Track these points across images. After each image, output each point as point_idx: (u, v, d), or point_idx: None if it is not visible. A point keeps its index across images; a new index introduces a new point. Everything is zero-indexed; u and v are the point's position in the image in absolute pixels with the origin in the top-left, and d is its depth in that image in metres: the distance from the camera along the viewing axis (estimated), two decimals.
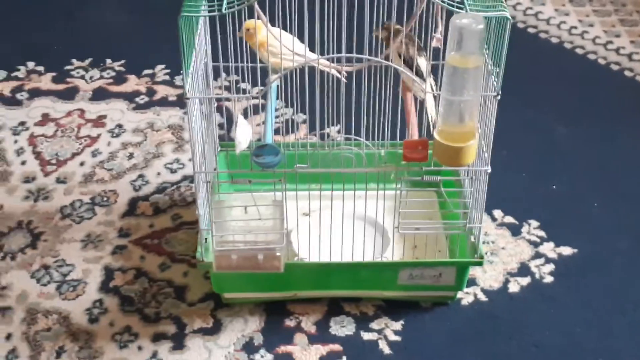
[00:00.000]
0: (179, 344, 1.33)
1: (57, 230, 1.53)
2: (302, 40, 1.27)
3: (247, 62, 1.37)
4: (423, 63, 1.30)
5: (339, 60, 1.33)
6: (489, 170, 1.27)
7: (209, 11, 1.17)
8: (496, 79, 1.20)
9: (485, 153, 1.27)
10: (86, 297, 1.40)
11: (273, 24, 1.29)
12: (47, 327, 1.35)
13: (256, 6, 1.27)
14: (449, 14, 1.14)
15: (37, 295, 1.41)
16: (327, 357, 1.32)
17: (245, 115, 1.60)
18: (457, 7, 1.13)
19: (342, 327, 1.36)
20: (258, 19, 1.25)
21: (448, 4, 1.14)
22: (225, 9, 1.14)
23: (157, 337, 1.34)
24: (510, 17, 1.12)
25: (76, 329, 1.35)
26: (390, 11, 1.28)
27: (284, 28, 1.28)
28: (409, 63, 1.29)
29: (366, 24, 1.24)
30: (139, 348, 1.32)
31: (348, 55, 1.23)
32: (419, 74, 1.29)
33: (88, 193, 1.61)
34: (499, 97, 1.20)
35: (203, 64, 1.36)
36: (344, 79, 1.32)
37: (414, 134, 1.28)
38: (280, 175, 1.25)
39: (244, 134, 1.23)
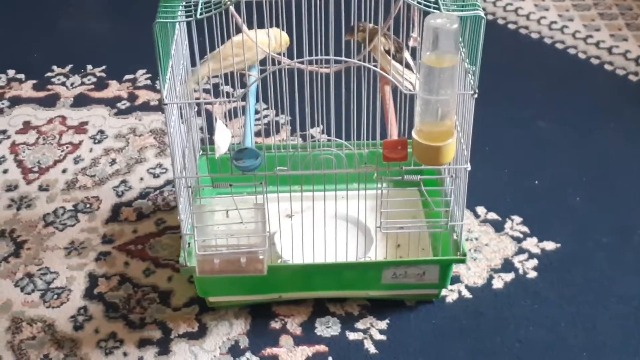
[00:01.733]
0: (164, 349, 1.33)
1: (41, 238, 1.52)
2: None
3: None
4: (409, 57, 1.31)
5: (316, 62, 1.33)
6: (469, 168, 1.27)
7: (186, 16, 1.18)
8: (473, 78, 1.21)
9: (465, 151, 1.28)
10: (70, 305, 1.40)
11: (250, 28, 1.29)
12: (32, 335, 1.35)
13: (232, 9, 1.27)
14: (425, 13, 1.14)
15: (22, 303, 1.40)
16: (313, 358, 1.32)
17: (227, 119, 1.60)
18: (433, 7, 1.14)
19: (327, 327, 1.37)
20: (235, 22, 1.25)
21: (423, 4, 1.14)
22: (200, 14, 1.14)
23: (142, 343, 1.34)
24: (484, 16, 1.13)
25: (61, 336, 1.35)
26: (366, 12, 1.29)
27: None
28: (397, 57, 1.29)
29: (343, 25, 1.24)
30: (125, 354, 1.32)
31: (326, 57, 1.23)
32: (408, 67, 1.29)
33: (71, 200, 1.61)
34: (476, 96, 1.21)
35: (181, 68, 1.36)
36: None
37: (393, 133, 1.28)
38: (261, 178, 1.25)
39: (223, 138, 1.23)
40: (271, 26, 1.27)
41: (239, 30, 1.29)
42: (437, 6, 1.14)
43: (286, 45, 1.34)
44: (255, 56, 1.28)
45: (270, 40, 1.30)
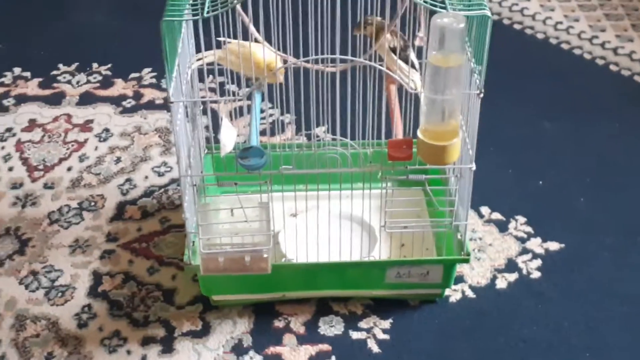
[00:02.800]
0: (168, 347, 1.33)
1: (45, 236, 1.53)
2: (285, 42, 1.27)
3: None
4: (413, 56, 1.31)
5: (322, 61, 1.34)
6: (474, 168, 1.27)
7: (192, 15, 1.18)
8: (479, 77, 1.21)
9: (470, 150, 1.28)
10: (75, 303, 1.40)
11: (257, 26, 1.30)
12: (36, 333, 1.35)
13: (239, 8, 1.28)
14: (432, 13, 1.14)
15: (26, 301, 1.41)
16: (316, 357, 1.32)
17: (232, 118, 1.60)
18: (439, 7, 1.14)
19: (331, 326, 1.37)
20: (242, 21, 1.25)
21: (430, 3, 1.14)
22: (207, 12, 1.14)
23: (146, 341, 1.34)
24: (491, 16, 1.13)
25: (65, 334, 1.35)
26: (373, 11, 1.29)
27: (267, 30, 1.28)
28: (402, 55, 1.29)
29: (349, 25, 1.24)
30: (128, 352, 1.32)
31: (331, 56, 1.24)
32: (413, 66, 1.29)
33: (76, 198, 1.61)
34: (481, 95, 1.20)
35: (188, 67, 1.37)
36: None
37: (398, 132, 1.28)
38: (266, 177, 1.25)
39: (228, 137, 1.23)
40: (278, 25, 1.27)
41: (245, 29, 1.30)
42: (443, 5, 1.14)
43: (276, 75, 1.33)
44: (259, 71, 1.27)
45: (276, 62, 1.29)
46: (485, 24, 1.14)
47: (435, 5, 1.14)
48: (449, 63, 1.13)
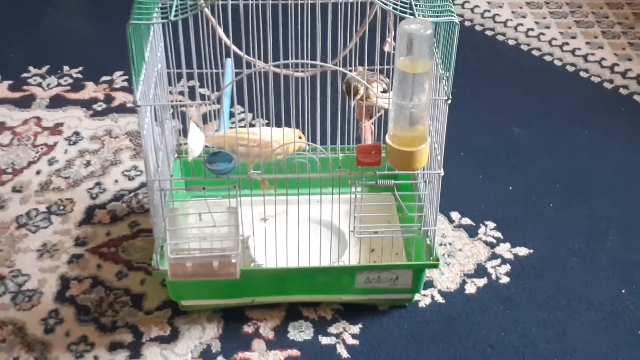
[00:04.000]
0: (135, 352, 1.32)
1: (13, 240, 1.51)
2: (254, 46, 1.27)
3: (206, 67, 1.36)
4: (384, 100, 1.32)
5: (290, 66, 1.34)
6: (442, 174, 1.28)
7: (161, 18, 1.17)
8: (447, 84, 1.21)
9: (439, 156, 1.28)
10: (42, 307, 1.39)
11: (226, 32, 1.29)
12: (2, 338, 1.34)
13: (207, 12, 1.27)
14: (400, 19, 1.15)
15: None
16: None
17: (203, 121, 1.60)
18: (408, 13, 1.14)
19: (300, 332, 1.37)
20: (211, 25, 1.25)
21: (398, 10, 1.15)
22: (174, 16, 1.13)
23: (113, 347, 1.33)
24: (458, 22, 1.13)
25: (31, 339, 1.34)
26: (341, 17, 1.29)
27: (235, 33, 1.28)
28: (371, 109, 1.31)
29: (318, 30, 1.24)
30: (95, 358, 1.31)
31: (299, 61, 1.24)
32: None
33: (44, 202, 1.60)
34: (449, 102, 1.21)
35: (156, 70, 1.36)
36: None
37: (367, 138, 1.29)
38: (234, 181, 1.25)
39: (196, 141, 1.23)
40: (247, 29, 1.27)
41: (214, 33, 1.29)
42: (411, 12, 1.15)
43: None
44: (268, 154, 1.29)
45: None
46: (453, 31, 1.14)
47: (404, 12, 1.15)
48: (416, 69, 1.13)
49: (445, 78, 1.22)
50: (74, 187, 1.63)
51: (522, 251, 1.52)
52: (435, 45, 1.25)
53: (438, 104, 1.26)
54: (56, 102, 1.86)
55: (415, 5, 1.16)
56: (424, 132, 1.19)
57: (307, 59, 1.24)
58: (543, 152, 1.75)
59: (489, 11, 2.24)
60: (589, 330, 1.38)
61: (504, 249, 1.52)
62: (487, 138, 1.79)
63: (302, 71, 1.35)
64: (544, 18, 2.21)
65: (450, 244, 1.53)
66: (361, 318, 1.39)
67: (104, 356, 1.31)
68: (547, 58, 2.05)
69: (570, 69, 2.01)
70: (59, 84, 1.92)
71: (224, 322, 1.37)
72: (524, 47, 2.09)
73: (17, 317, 1.37)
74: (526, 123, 1.83)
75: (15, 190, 1.62)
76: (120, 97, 1.88)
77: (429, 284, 1.44)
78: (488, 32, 2.15)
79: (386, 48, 1.33)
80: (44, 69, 1.97)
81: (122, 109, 1.84)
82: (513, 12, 2.24)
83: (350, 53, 1.35)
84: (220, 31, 1.27)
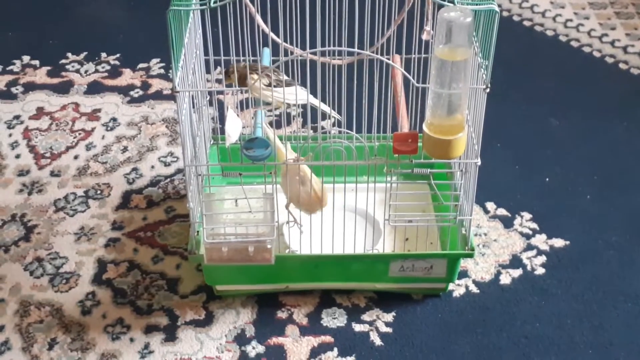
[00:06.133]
0: (171, 335, 1.34)
1: (51, 223, 1.53)
2: (292, 34, 1.27)
3: (243, 55, 1.37)
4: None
5: (329, 54, 1.34)
6: (479, 163, 1.27)
7: (200, 4, 1.18)
8: (485, 72, 1.21)
9: (476, 146, 1.27)
10: (79, 290, 1.41)
11: (265, 19, 1.30)
12: (40, 319, 1.36)
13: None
14: (439, 6, 1.14)
15: (30, 287, 1.41)
16: (318, 349, 1.32)
17: (239, 109, 1.60)
18: (447, 1, 1.14)
19: (333, 318, 1.37)
20: (249, 11, 1.25)
21: None
22: (214, 3, 1.14)
23: (149, 329, 1.34)
24: (498, 10, 1.13)
25: (68, 321, 1.36)
26: (379, 5, 1.29)
27: (273, 21, 1.28)
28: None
29: (356, 17, 1.24)
30: (131, 340, 1.33)
31: (338, 48, 1.23)
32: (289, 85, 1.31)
33: (82, 186, 1.62)
34: (488, 90, 1.20)
35: (194, 57, 1.37)
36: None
37: (403, 126, 1.28)
38: (270, 168, 1.26)
39: (234, 127, 1.23)
40: (285, 17, 1.27)
41: (252, 20, 1.29)
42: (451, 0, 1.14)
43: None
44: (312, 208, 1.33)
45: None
46: (493, 19, 1.14)
47: (444, 0, 1.14)
48: (455, 57, 1.12)
49: (484, 67, 1.21)
50: (111, 172, 1.65)
51: (558, 243, 1.50)
52: (474, 33, 1.24)
53: (476, 93, 1.25)
54: (94, 88, 1.88)
55: None
56: (461, 120, 1.18)
57: (345, 47, 1.24)
58: (580, 144, 1.73)
59: (527, 1, 2.21)
60: (625, 323, 1.36)
61: (540, 240, 1.51)
62: (524, 129, 1.77)
63: (339, 59, 1.35)
64: (583, 9, 2.19)
65: (485, 234, 1.52)
66: (395, 306, 1.39)
67: (139, 338, 1.33)
68: (586, 49, 2.03)
69: (609, 60, 1.99)
70: (96, 71, 1.94)
71: (258, 307, 1.38)
72: (563, 38, 2.07)
73: (54, 298, 1.39)
74: (564, 114, 1.81)
75: (53, 174, 1.65)
76: (156, 84, 1.89)
77: (464, 274, 1.44)
78: (526, 23, 2.13)
79: (424, 36, 1.32)
80: (82, 55, 1.99)
81: (159, 96, 1.86)
82: (552, 2, 2.21)
83: (388, 41, 1.35)
84: (258, 18, 1.27)
